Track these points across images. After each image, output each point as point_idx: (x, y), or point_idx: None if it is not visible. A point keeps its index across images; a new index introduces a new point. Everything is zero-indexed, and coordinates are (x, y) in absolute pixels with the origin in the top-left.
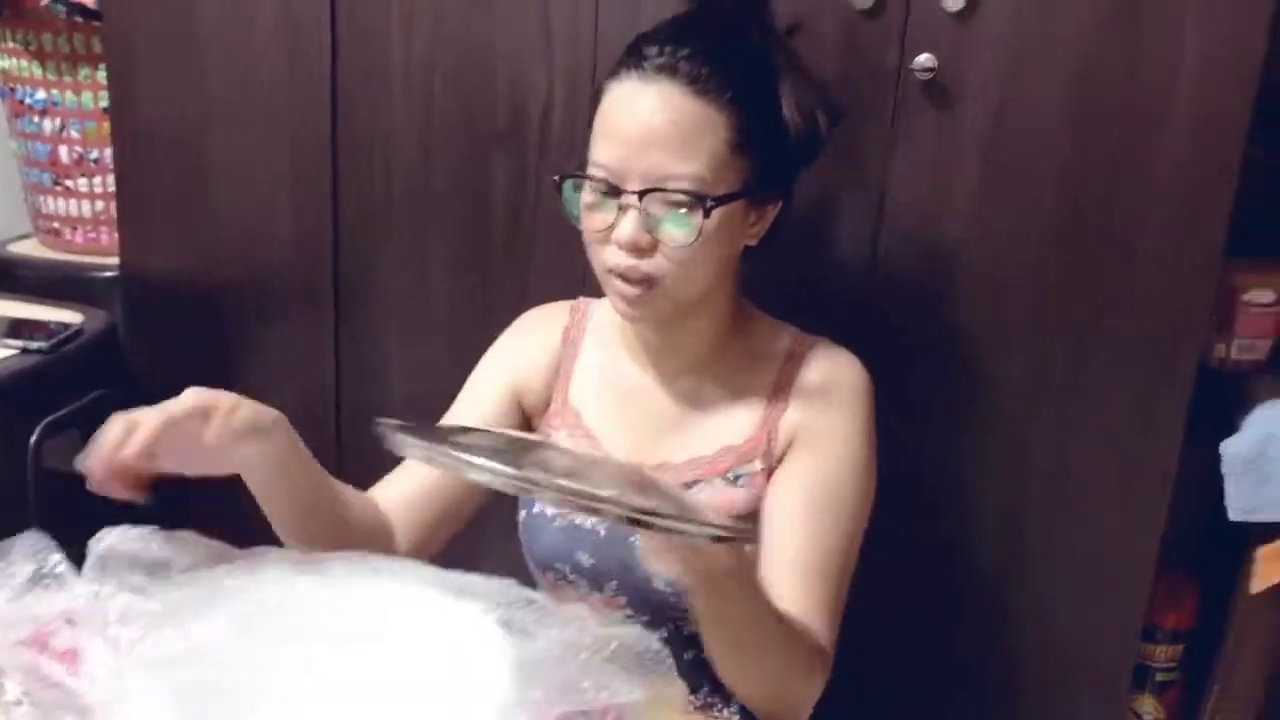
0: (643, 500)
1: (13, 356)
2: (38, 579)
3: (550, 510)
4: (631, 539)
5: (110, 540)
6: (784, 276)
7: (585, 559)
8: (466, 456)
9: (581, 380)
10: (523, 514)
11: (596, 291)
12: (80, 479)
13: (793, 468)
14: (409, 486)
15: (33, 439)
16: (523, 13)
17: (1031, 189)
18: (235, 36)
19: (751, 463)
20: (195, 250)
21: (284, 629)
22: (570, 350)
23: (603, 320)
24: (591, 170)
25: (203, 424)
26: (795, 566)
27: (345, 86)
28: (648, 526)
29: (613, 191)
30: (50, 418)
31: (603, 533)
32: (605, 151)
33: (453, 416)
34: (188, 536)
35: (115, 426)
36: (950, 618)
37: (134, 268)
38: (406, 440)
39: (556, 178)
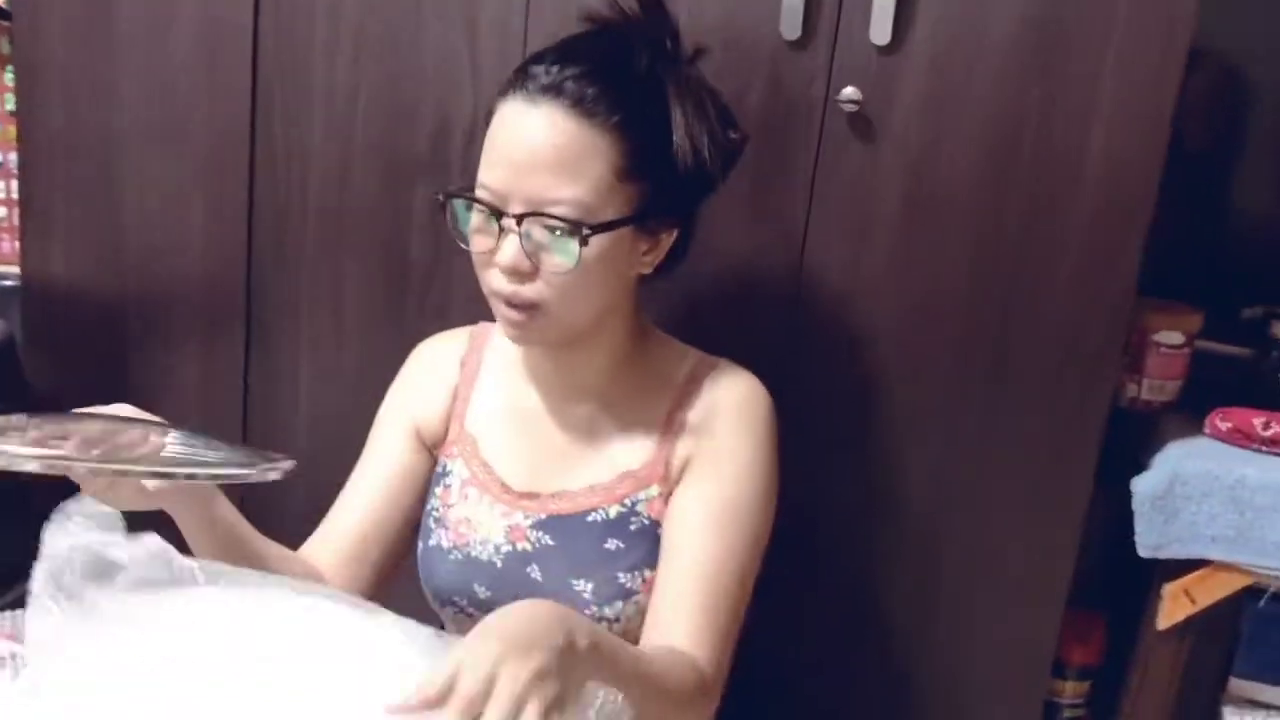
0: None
1: None
2: None
3: (445, 543)
4: (528, 569)
5: None
6: (702, 310)
7: (482, 591)
8: None
9: (479, 407)
10: (420, 546)
11: None
12: None
13: (690, 489)
14: (342, 538)
15: None
16: (449, 38)
17: (950, 225)
18: (153, 45)
19: (649, 488)
20: (101, 263)
21: (188, 647)
22: (468, 377)
23: (501, 346)
24: (478, 191)
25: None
26: (688, 591)
27: (265, 104)
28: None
29: (496, 214)
30: None
31: (499, 565)
32: (490, 173)
33: (363, 468)
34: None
35: None
36: (857, 653)
37: (35, 278)
38: None
39: (440, 196)
